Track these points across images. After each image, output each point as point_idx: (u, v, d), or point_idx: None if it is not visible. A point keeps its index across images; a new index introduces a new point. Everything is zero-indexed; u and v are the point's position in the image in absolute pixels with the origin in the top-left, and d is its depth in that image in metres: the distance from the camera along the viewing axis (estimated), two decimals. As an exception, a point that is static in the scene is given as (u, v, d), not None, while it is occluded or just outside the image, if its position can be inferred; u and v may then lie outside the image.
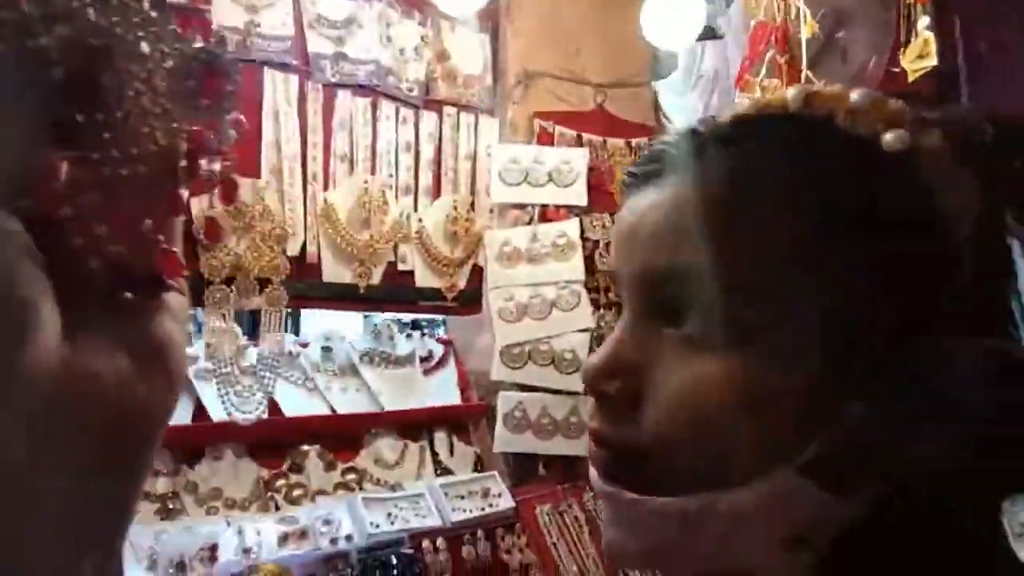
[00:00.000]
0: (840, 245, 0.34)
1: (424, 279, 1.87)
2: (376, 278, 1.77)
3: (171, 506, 1.53)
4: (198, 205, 1.50)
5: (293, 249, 1.62)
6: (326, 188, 1.69)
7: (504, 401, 1.92)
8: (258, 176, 1.58)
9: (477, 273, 1.98)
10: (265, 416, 1.67)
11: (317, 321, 2.42)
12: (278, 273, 1.57)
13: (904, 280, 0.33)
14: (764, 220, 0.35)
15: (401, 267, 1.83)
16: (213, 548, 1.42)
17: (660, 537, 0.37)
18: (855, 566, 0.35)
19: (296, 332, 2.98)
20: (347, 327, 2.11)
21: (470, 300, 1.97)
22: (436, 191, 1.90)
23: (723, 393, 0.35)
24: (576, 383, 1.92)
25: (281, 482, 1.72)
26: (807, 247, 0.34)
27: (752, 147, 0.37)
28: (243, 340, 1.73)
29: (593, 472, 0.41)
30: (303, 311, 3.01)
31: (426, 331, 2.33)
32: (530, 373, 1.92)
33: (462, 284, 1.94)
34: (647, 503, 0.36)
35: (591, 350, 1.98)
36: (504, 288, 1.92)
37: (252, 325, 1.97)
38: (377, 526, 1.60)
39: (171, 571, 1.34)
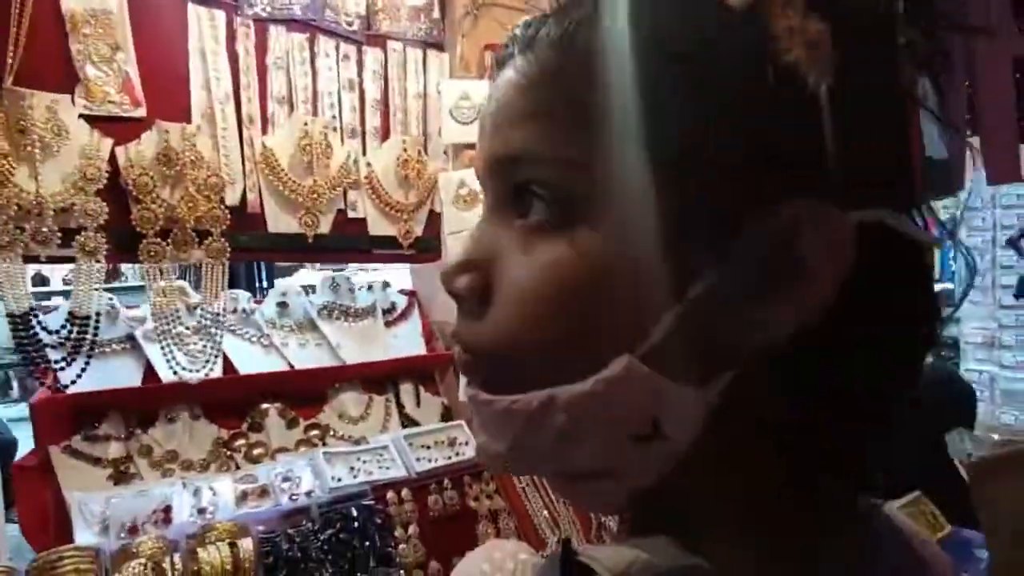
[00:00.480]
0: (678, 104, 0.30)
1: (377, 226, 1.79)
2: (325, 227, 1.69)
3: (124, 470, 1.48)
4: (124, 155, 1.40)
5: (232, 198, 1.53)
6: (264, 132, 1.59)
7: (468, 349, 1.87)
8: (188, 121, 1.48)
9: (434, 218, 1.90)
10: (217, 375, 1.61)
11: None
12: (218, 224, 1.49)
13: (752, 141, 0.30)
14: (595, 85, 0.32)
15: (352, 214, 1.74)
16: (167, 510, 1.38)
17: (512, 437, 0.36)
18: (719, 459, 0.34)
19: (269, 281, 2.94)
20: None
21: (427, 247, 1.90)
22: (385, 133, 1.81)
23: (561, 280, 0.33)
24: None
25: (240, 442, 1.68)
26: (644, 111, 0.31)
27: (584, 11, 0.34)
28: (194, 298, 1.66)
29: (463, 384, 0.40)
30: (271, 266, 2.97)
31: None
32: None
33: (418, 230, 1.87)
34: (496, 403, 0.35)
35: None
36: (462, 232, 1.85)
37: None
38: (339, 480, 1.56)
39: (123, 535, 1.30)
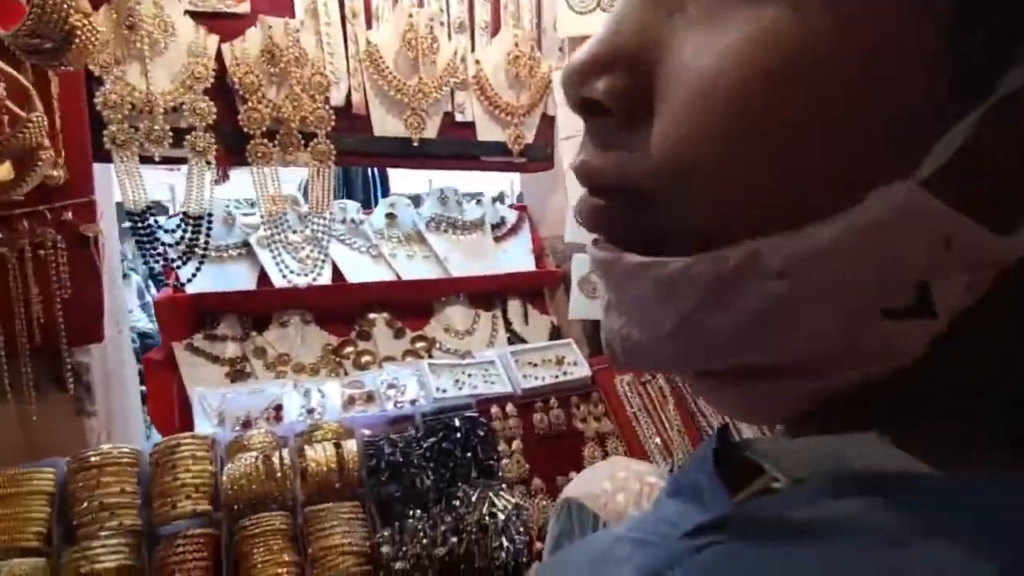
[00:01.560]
0: None
1: (486, 131, 1.68)
2: (431, 131, 1.60)
3: (240, 369, 1.53)
4: (230, 52, 1.37)
5: (337, 98, 1.47)
6: (368, 27, 1.50)
7: (578, 264, 1.75)
8: (291, 15, 1.42)
9: (547, 123, 1.76)
10: (324, 281, 1.61)
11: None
12: (323, 125, 1.44)
13: None
14: None
15: (459, 118, 1.64)
16: (278, 408, 1.40)
17: (677, 318, 0.25)
18: (982, 341, 0.23)
19: (384, 193, 2.93)
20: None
21: (539, 155, 1.77)
22: (495, 27, 1.66)
23: (780, 61, 0.21)
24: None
25: (349, 349, 1.69)
26: None
27: None
28: (304, 206, 1.65)
29: (590, 246, 0.29)
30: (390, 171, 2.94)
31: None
32: (608, 233, 1.72)
33: (529, 136, 1.73)
34: (655, 268, 0.24)
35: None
36: (578, 137, 1.69)
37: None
38: (444, 391, 1.53)
39: (237, 428, 1.34)
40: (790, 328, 0.23)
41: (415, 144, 1.57)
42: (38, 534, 1.07)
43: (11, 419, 1.17)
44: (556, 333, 1.93)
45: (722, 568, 0.25)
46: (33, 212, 1.17)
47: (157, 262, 1.33)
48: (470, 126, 1.66)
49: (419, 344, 1.75)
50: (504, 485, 1.33)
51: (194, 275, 1.37)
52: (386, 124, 1.56)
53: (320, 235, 1.58)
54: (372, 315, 1.75)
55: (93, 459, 1.12)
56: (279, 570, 1.12)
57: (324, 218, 1.58)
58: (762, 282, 0.22)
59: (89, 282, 1.21)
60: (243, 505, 1.18)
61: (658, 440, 1.62)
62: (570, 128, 1.71)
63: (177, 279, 1.44)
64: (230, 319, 1.57)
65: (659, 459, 1.58)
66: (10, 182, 1.11)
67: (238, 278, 1.59)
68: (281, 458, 1.21)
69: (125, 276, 2.65)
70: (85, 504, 1.09)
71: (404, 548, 1.17)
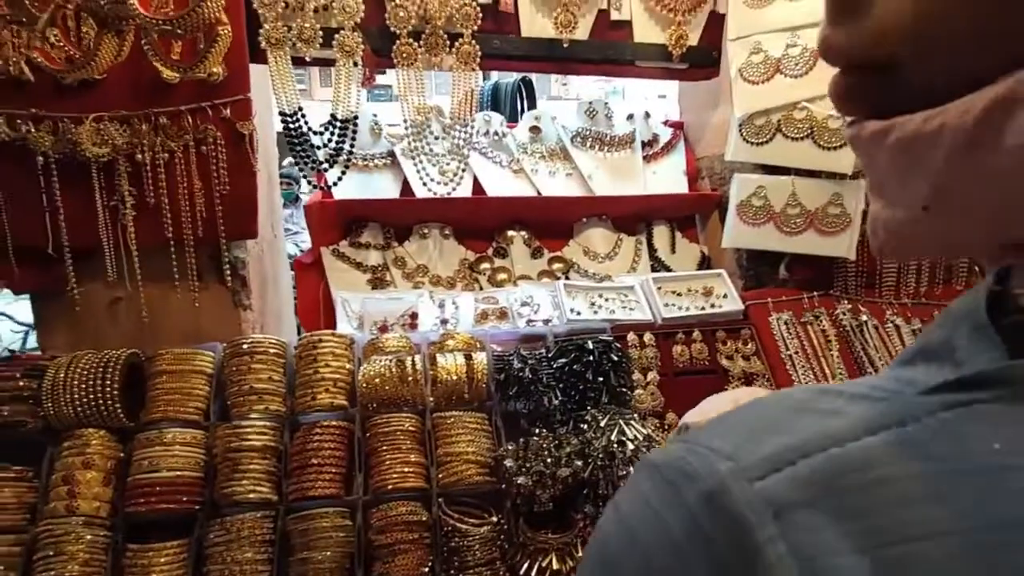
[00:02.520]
0: None
1: (644, 31, 1.51)
2: (583, 31, 1.47)
3: (381, 277, 1.56)
4: (377, -53, 1.32)
5: (484, -5, 1.38)
6: (520, -86, 1.38)
7: (740, 186, 1.56)
8: (440, -95, 1.33)
9: (715, 22, 1.55)
10: (463, 194, 1.57)
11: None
12: (469, 24, 1.36)
13: None
14: None
15: (615, 16, 1.49)
16: (414, 316, 1.41)
17: (933, 179, 0.24)
18: None
19: (532, 104, 2.84)
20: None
21: (703, 60, 1.57)
22: (660, -92, 1.47)
23: None
24: (843, 161, 1.48)
25: (485, 265, 1.66)
26: None
27: None
28: (448, 119, 1.61)
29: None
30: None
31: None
32: (778, 150, 1.51)
33: (693, 38, 1.54)
34: (904, 126, 0.24)
35: (866, 117, 1.49)
36: (750, 38, 1.48)
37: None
38: (578, 313, 1.46)
39: (374, 331, 1.37)
40: None
41: (564, 46, 1.45)
42: (198, 409, 1.17)
43: (178, 305, 1.27)
44: (706, 264, 1.77)
45: (972, 433, 0.22)
46: (196, 109, 1.23)
47: (307, 163, 1.36)
48: (626, 26, 1.51)
49: (556, 265, 1.69)
50: (635, 415, 1.25)
51: (339, 179, 1.39)
52: (535, 23, 1.45)
53: (462, 146, 1.54)
54: (510, 232, 1.70)
55: (245, 346, 1.19)
56: (405, 469, 1.14)
57: (467, 129, 1.52)
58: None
59: (245, 178, 1.26)
60: (376, 404, 1.20)
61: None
62: (742, 27, 1.50)
63: (325, 182, 1.47)
64: (374, 228, 1.60)
65: (815, 408, 1.41)
66: (193, 60, 1.16)
67: (382, 187, 1.60)
68: (413, 363, 1.22)
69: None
70: (237, 387, 1.17)
71: (528, 464, 1.14)
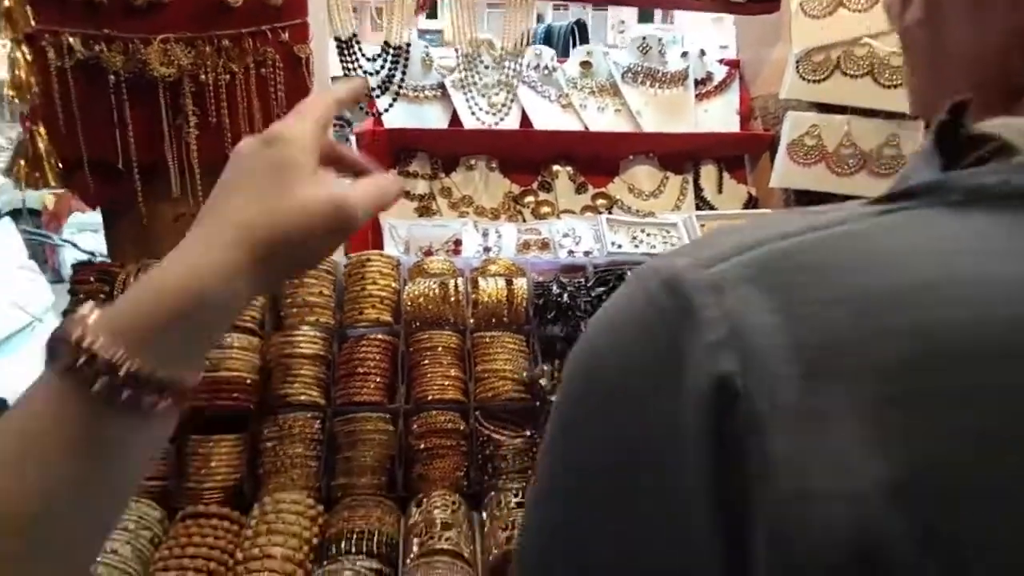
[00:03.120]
0: None
1: (701, -39, 1.48)
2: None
3: (427, 206, 1.60)
4: None
5: (537, -80, 1.37)
6: None
7: (793, 123, 1.53)
8: None
9: (776, -48, 1.50)
10: (511, 126, 1.59)
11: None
12: (521, -49, 1.36)
13: None
14: None
15: (671, -55, 1.45)
16: (458, 243, 1.46)
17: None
18: None
19: (585, 40, 2.81)
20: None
21: (762, -8, 1.52)
22: None
23: None
24: (903, 101, 1.43)
25: (529, 199, 1.68)
26: None
27: None
28: (499, 51, 1.61)
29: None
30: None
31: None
32: (835, 88, 1.47)
33: (752, -32, 1.49)
34: None
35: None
36: (812, -31, 1.43)
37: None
38: (619, 247, 1.47)
39: (419, 255, 1.42)
40: None
41: (616, -24, 1.43)
42: (253, 317, 1.24)
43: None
44: (752, 205, 1.75)
45: (898, 228, 0.26)
46: (256, 32, 1.27)
47: (358, 89, 1.39)
48: (683, -44, 1.47)
49: (600, 201, 1.70)
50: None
51: (389, 107, 1.43)
52: (588, -48, 1.43)
53: (511, 77, 1.54)
54: (556, 167, 1.71)
55: (298, 261, 1.25)
56: (445, 382, 1.19)
57: (517, 61, 1.53)
58: None
59: (301, 100, 1.30)
60: (420, 322, 1.26)
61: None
62: (805, -44, 1.44)
63: (376, 111, 1.51)
64: (422, 158, 1.64)
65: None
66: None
67: (432, 118, 1.63)
68: (456, 286, 1.27)
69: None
70: (291, 299, 1.24)
71: (560, 384, 1.18)
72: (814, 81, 1.48)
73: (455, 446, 1.15)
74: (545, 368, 1.21)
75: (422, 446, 1.14)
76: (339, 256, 1.49)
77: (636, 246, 1.48)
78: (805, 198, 1.63)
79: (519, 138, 1.63)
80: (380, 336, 1.23)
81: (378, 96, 1.42)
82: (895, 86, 1.41)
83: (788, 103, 1.58)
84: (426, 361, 1.21)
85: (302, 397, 1.15)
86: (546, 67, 1.73)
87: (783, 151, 1.54)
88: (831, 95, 1.48)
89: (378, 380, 1.19)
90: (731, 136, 1.75)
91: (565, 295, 1.27)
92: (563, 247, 1.46)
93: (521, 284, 1.28)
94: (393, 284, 1.29)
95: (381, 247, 1.46)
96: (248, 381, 1.18)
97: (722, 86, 1.83)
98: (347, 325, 1.25)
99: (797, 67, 1.48)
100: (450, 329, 1.26)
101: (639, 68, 1.75)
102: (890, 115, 1.45)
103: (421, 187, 1.62)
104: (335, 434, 1.17)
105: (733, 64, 1.87)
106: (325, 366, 1.21)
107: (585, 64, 1.76)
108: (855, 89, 1.45)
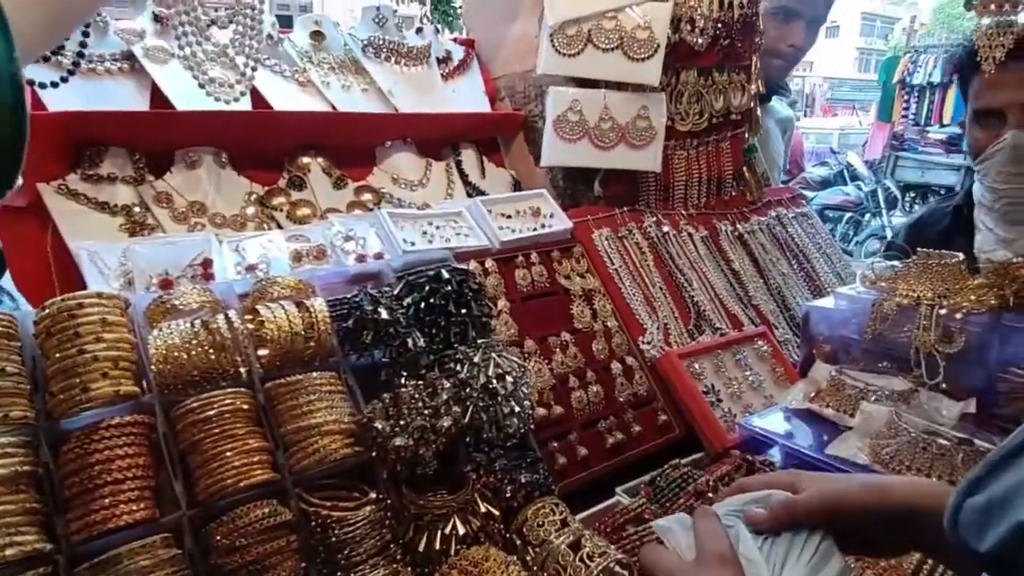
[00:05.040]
0: None
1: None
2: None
3: (139, 220, 1.15)
4: None
5: None
6: None
7: (556, 99, 1.49)
8: None
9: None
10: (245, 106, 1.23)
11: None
12: None
13: None
14: None
15: None
16: (207, 263, 1.07)
17: None
18: None
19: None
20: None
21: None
22: None
23: None
24: (651, 73, 1.49)
25: (280, 199, 1.34)
26: None
27: None
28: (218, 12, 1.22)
29: None
30: None
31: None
32: (589, 62, 1.46)
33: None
34: None
35: (676, 28, 1.52)
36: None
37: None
38: (412, 244, 1.26)
39: (153, 287, 1.00)
40: None
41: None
42: None
43: None
44: (516, 188, 1.68)
45: None
46: None
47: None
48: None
49: (366, 196, 1.44)
50: (504, 346, 1.12)
51: (61, 81, 0.96)
52: None
53: (235, 55, 1.18)
54: (305, 159, 1.40)
55: (-58, 330, 0.76)
56: (245, 460, 0.85)
57: (255, 15, 1.17)
58: None
59: None
60: (182, 384, 0.87)
61: (641, 296, 1.48)
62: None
63: (36, 98, 1.01)
64: (117, 153, 1.17)
65: (645, 317, 1.44)
66: None
67: (123, 99, 1.17)
68: (228, 321, 0.91)
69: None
70: (-60, 393, 0.74)
71: (403, 422, 0.94)
72: (569, 55, 1.46)
73: (285, 546, 0.82)
74: (377, 406, 0.95)
75: (238, 561, 0.78)
76: (7, 305, 0.97)
77: (430, 241, 1.29)
78: (570, 177, 1.62)
79: (254, 123, 1.28)
80: (125, 418, 0.81)
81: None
82: (643, 59, 1.47)
83: (543, 79, 1.54)
84: (208, 439, 0.84)
85: (7, 552, 0.69)
86: (269, 36, 1.39)
87: (550, 128, 1.49)
88: (585, 69, 1.48)
89: (138, 486, 0.79)
90: (487, 116, 1.66)
91: (382, 310, 1.01)
92: (348, 253, 1.19)
93: (321, 306, 0.99)
94: (128, 336, 0.87)
95: (80, 287, 0.99)
96: None
97: (463, 66, 1.72)
98: (62, 414, 0.80)
99: (552, 41, 1.44)
100: (230, 384, 0.90)
101: (380, 42, 1.53)
102: (639, 87, 1.51)
103: (124, 195, 1.15)
104: (85, 592, 0.73)
105: (468, 43, 1.78)
106: (35, 489, 0.76)
107: (316, 35, 1.47)
108: (607, 62, 1.47)
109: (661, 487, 1.08)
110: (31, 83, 0.98)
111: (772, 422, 1.23)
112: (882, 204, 7.35)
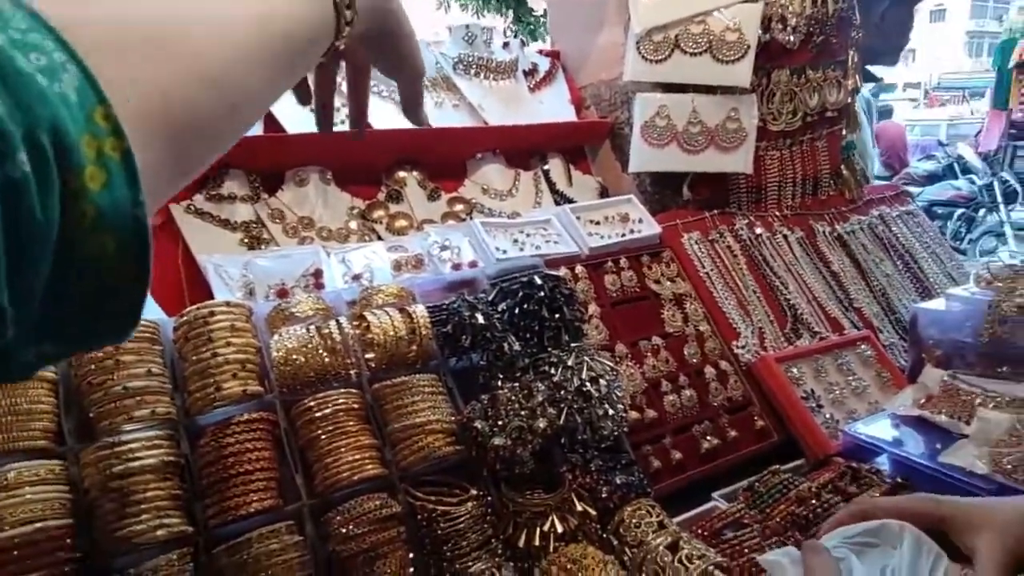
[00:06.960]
0: None
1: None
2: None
3: (256, 235, 1.26)
4: None
5: None
6: None
7: (643, 106, 1.50)
8: None
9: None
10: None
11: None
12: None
13: None
14: None
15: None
16: (317, 274, 1.15)
17: None
18: None
19: None
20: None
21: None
22: None
23: None
24: (740, 75, 1.47)
25: (379, 212, 1.42)
26: None
27: None
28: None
29: None
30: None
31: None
32: (676, 66, 1.46)
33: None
34: None
35: (767, 28, 1.49)
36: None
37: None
38: (504, 252, 1.30)
39: (271, 296, 1.09)
40: None
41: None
42: (46, 431, 0.82)
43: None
44: (604, 194, 1.70)
45: None
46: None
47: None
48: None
49: (458, 206, 1.50)
50: (596, 350, 1.14)
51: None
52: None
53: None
54: (401, 174, 1.48)
55: (103, 334, 0.86)
56: (358, 455, 0.91)
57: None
58: None
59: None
60: (300, 385, 0.95)
61: (734, 300, 1.45)
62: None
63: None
64: (236, 175, 1.28)
65: (739, 321, 1.41)
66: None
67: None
68: (339, 327, 0.98)
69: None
70: (101, 391, 0.84)
71: (500, 422, 0.97)
72: (656, 61, 1.46)
73: (395, 537, 0.87)
74: (476, 407, 0.99)
75: (352, 549, 0.84)
76: (153, 313, 1.09)
77: (521, 249, 1.32)
78: (658, 182, 1.62)
79: (355, 142, 1.36)
80: (254, 415, 0.89)
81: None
82: (732, 61, 1.45)
83: (629, 86, 1.55)
84: (324, 435, 0.91)
85: (159, 531, 0.78)
86: (366, 60, 1.48)
87: (637, 135, 1.50)
88: (673, 74, 1.48)
89: (265, 477, 0.86)
90: (574, 125, 1.68)
91: (478, 315, 1.05)
92: (444, 261, 1.24)
93: (421, 311, 1.04)
94: (253, 341, 0.95)
95: (208, 296, 1.10)
96: (59, 529, 0.76)
97: (549, 77, 1.76)
98: (197, 411, 0.89)
99: (639, 48, 1.45)
100: (341, 385, 0.97)
101: (470, 59, 1.59)
102: (728, 89, 1.50)
103: (242, 212, 1.27)
104: (220, 570, 0.81)
105: (553, 55, 1.81)
106: (179, 477, 0.84)
107: (410, 56, 1.55)
108: (695, 66, 1.46)
109: (760, 492, 1.06)
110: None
111: (879, 429, 1.18)
112: (999, 198, 6.78)
